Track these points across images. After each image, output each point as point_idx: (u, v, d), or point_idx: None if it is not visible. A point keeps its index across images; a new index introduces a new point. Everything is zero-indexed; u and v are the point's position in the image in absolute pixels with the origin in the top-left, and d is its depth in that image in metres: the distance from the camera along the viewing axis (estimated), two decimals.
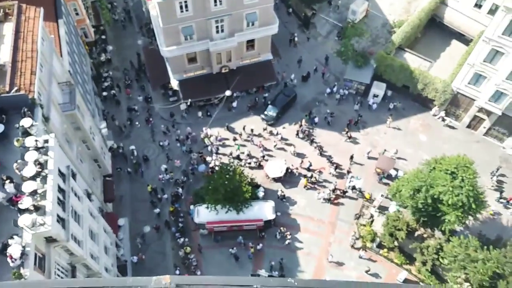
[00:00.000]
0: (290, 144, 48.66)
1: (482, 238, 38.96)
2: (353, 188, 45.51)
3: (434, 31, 56.01)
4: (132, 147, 47.87)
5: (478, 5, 51.12)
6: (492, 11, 49.16)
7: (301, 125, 49.26)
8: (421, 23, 53.76)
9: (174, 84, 49.75)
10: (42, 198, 23.90)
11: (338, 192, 45.70)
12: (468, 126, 50.46)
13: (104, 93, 52.04)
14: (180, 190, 45.69)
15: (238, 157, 47.42)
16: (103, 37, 56.76)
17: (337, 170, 46.98)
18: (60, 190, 26.73)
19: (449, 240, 37.58)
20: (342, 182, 46.45)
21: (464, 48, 51.99)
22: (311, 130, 49.40)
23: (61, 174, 27.57)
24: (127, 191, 46.16)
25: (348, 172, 46.69)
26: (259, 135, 49.32)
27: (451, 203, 35.31)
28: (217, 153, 48.09)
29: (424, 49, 53.86)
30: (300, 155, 48.10)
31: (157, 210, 44.55)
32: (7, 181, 23.81)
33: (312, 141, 48.88)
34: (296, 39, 56.08)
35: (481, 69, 44.86)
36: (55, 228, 23.99)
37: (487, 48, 43.02)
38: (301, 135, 49.22)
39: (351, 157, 47.47)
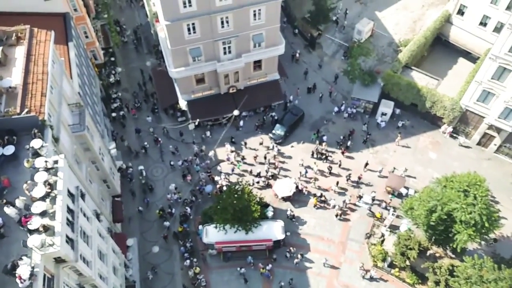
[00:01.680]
0: (299, 164, 48.52)
1: (497, 257, 38.26)
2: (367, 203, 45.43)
3: (440, 49, 56.30)
4: (141, 167, 47.97)
5: (483, 23, 51.49)
6: (498, 29, 49.50)
7: (317, 147, 49.17)
8: (427, 41, 54.06)
9: (183, 104, 50.12)
10: (52, 219, 23.87)
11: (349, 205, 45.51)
12: (479, 144, 50.11)
13: (113, 114, 52.49)
14: (188, 210, 45.53)
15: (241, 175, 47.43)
16: (112, 59, 57.56)
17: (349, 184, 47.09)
18: (69, 210, 26.71)
19: (462, 260, 36.93)
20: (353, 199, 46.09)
21: (471, 66, 52.10)
22: (326, 151, 49.22)
23: (70, 195, 27.60)
24: (136, 212, 46.03)
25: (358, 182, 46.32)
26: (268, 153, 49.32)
27: (463, 220, 34.80)
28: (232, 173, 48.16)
29: (431, 67, 54.02)
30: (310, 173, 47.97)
31: (167, 223, 44.48)
32: (7, 206, 23.90)
33: (325, 160, 48.81)
34: (297, 55, 56.58)
35: (489, 87, 44.80)
36: (64, 249, 23.90)
37: (494, 66, 43.05)
38: (316, 155, 49.02)
39: (365, 165, 47.85)
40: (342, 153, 49.14)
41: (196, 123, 50.18)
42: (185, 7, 40.64)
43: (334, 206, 45.41)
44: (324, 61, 57.17)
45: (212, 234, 41.64)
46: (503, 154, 49.24)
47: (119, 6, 64.65)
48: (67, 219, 25.76)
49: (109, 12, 58.63)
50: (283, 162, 48.88)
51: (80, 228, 27.75)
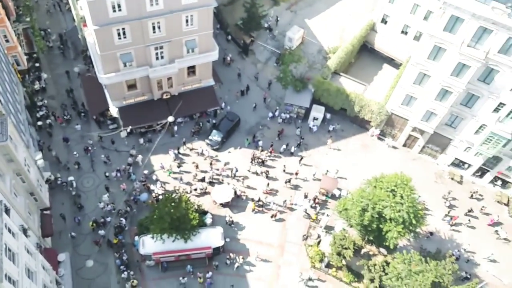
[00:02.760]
0: (232, 168, 48.69)
1: (424, 252, 40.75)
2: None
3: (366, 56, 59.32)
4: (71, 178, 45.61)
5: (404, 32, 54.96)
6: (417, 37, 53.11)
7: (254, 153, 49.60)
8: (354, 49, 56.71)
9: (114, 111, 48.45)
10: None
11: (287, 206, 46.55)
12: (404, 145, 53.25)
13: (39, 123, 49.51)
14: (123, 221, 43.92)
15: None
16: (37, 64, 54.43)
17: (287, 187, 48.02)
18: None
19: (394, 256, 38.90)
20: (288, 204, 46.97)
21: (395, 72, 55.35)
22: (263, 157, 49.75)
23: None
24: (67, 223, 43.63)
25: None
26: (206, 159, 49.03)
27: (393, 217, 36.66)
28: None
29: (358, 74, 56.69)
30: (247, 179, 48.30)
31: (102, 232, 42.71)
32: None
33: (263, 165, 49.36)
34: (229, 58, 57.05)
35: (411, 91, 47.79)
36: None
37: (415, 71, 46.00)
38: (255, 162, 49.37)
39: (296, 173, 48.81)
40: (270, 152, 49.99)
41: (128, 130, 48.69)
42: (114, 11, 39.47)
43: (270, 210, 46.01)
44: (258, 68, 57.97)
45: (149, 244, 40.45)
46: (426, 154, 52.74)
47: (46, 10, 61.29)
48: None
49: (31, 15, 55.45)
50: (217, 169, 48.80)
51: (5, 245, 25.79)
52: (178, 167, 48.29)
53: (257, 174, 48.68)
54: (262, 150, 50.00)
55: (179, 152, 49.19)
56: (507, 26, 38.05)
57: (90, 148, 48.13)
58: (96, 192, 45.85)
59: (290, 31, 58.03)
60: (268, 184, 47.56)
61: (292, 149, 50.55)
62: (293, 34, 57.53)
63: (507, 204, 49.75)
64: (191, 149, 49.77)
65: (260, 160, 49.37)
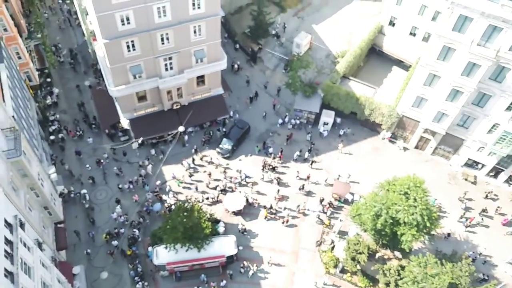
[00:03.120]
0: (248, 177, 48.76)
1: (439, 254, 40.19)
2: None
3: (375, 59, 59.10)
4: (84, 191, 46.08)
5: (412, 34, 54.67)
6: (426, 39, 52.77)
7: (265, 160, 49.65)
8: (362, 52, 56.52)
9: (125, 123, 48.93)
10: None
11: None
12: (416, 147, 52.74)
13: (52, 137, 50.21)
14: (136, 232, 44.16)
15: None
16: (48, 80, 55.29)
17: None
18: (7, 241, 25.10)
19: (409, 260, 38.44)
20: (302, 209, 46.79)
21: (404, 74, 54.98)
22: (275, 163, 49.72)
23: (8, 225, 25.97)
24: (82, 237, 44.01)
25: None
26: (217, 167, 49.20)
27: (406, 222, 36.26)
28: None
29: (367, 77, 56.46)
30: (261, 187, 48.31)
31: (115, 243, 42.99)
32: None
33: (274, 172, 49.33)
34: (237, 66, 57.32)
35: (422, 93, 47.40)
36: (3, 284, 22.35)
37: (425, 73, 45.64)
38: (266, 169, 49.38)
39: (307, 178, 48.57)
40: (279, 157, 49.93)
41: (140, 142, 49.10)
42: (123, 24, 39.98)
43: (283, 217, 45.88)
44: (266, 75, 58.12)
45: (162, 255, 40.58)
46: (439, 155, 52.15)
47: (58, 26, 62.34)
48: (5, 251, 24.15)
49: (42, 31, 56.44)
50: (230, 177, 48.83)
51: (21, 259, 26.11)
52: (190, 176, 48.48)
53: (270, 182, 48.54)
54: (274, 158, 49.93)
55: (193, 162, 49.31)
56: None
57: (102, 160, 48.58)
58: (109, 204, 46.21)
59: (297, 37, 58.12)
60: (278, 191, 47.44)
61: (306, 155, 50.37)
62: (301, 40, 57.60)
63: None
64: (201, 158, 49.90)
65: (271, 167, 49.31)
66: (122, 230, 44.10)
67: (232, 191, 47.45)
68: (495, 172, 50.00)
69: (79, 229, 44.16)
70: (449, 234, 45.47)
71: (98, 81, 54.90)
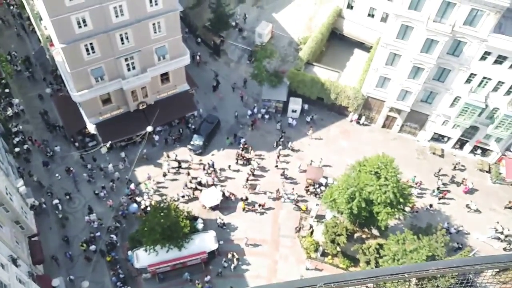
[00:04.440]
0: (223, 169, 48.76)
1: (415, 228, 41.31)
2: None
3: (337, 43, 59.63)
4: (56, 201, 44.96)
5: (371, 15, 55.39)
6: (384, 19, 53.61)
7: (238, 152, 49.67)
8: (324, 37, 56.97)
9: (91, 128, 47.90)
10: None
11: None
12: (383, 126, 53.87)
13: (16, 149, 48.59)
14: (114, 237, 43.51)
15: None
16: (7, 90, 53.36)
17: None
18: None
19: (387, 237, 39.38)
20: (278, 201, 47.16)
21: (366, 55, 55.81)
22: (247, 154, 49.86)
23: None
24: (58, 248, 43.03)
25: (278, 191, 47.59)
26: (189, 167, 48.85)
27: (380, 201, 37.06)
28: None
29: (330, 61, 56.99)
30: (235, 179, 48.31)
31: (93, 247, 42.43)
32: None
33: (248, 164, 49.45)
34: (198, 57, 56.76)
35: (384, 72, 48.32)
36: None
37: (386, 53, 46.50)
38: (240, 161, 49.47)
39: (282, 174, 48.58)
40: (243, 148, 50.20)
41: (108, 146, 48.20)
42: (80, 27, 38.97)
43: (260, 205, 46.14)
44: (231, 67, 57.91)
45: (143, 257, 40.15)
46: (406, 132, 53.48)
47: (16, 33, 59.88)
48: None
49: None
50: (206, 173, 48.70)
51: None
52: (164, 176, 48.03)
53: (248, 173, 48.59)
54: (244, 148, 49.88)
55: (169, 162, 48.82)
56: None
57: (72, 168, 47.45)
58: (83, 212, 45.29)
59: (259, 27, 58.07)
60: (247, 180, 47.55)
61: (278, 144, 50.68)
62: (262, 30, 57.58)
63: (488, 171, 50.84)
64: (168, 157, 49.33)
65: (245, 159, 49.37)
66: (98, 234, 43.37)
67: (208, 186, 47.30)
68: (461, 143, 51.75)
69: (55, 245, 43.09)
70: (431, 205, 47.11)
71: (59, 88, 53.37)
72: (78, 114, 48.39)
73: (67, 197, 45.87)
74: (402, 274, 5.60)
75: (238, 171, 49.07)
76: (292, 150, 51.11)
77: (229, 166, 49.10)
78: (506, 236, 45.68)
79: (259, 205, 46.07)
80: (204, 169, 48.49)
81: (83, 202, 46.10)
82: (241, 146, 49.88)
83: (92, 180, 47.26)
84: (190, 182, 47.53)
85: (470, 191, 49.00)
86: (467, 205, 47.91)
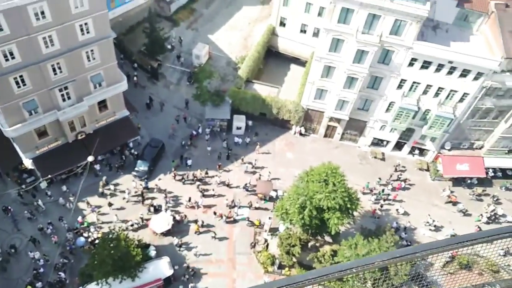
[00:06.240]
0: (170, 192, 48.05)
1: (365, 231, 42.65)
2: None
3: (273, 60, 61.28)
4: None
5: (303, 31, 57.43)
6: (316, 34, 55.79)
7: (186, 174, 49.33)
8: (260, 55, 58.31)
9: (28, 163, 45.62)
10: None
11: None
12: (325, 136, 55.57)
13: None
14: (62, 274, 41.31)
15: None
16: None
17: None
18: None
19: (339, 243, 40.30)
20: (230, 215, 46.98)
21: (302, 70, 57.64)
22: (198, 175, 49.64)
23: None
24: None
25: (233, 206, 47.50)
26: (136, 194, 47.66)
27: (330, 207, 38.01)
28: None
29: (269, 78, 58.48)
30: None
31: (39, 284, 40.03)
32: None
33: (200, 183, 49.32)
34: (135, 78, 56.16)
35: (321, 85, 50.04)
36: None
37: (320, 66, 48.27)
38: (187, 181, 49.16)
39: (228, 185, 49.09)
40: (219, 166, 50.39)
41: (49, 180, 46.04)
42: (7, 60, 37.15)
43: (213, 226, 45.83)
44: (171, 89, 57.57)
45: None
46: (347, 140, 55.51)
47: None
48: None
49: None
50: (153, 198, 47.73)
51: None
52: (110, 206, 46.50)
53: (202, 193, 48.33)
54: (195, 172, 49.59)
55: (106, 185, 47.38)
56: (392, 10, 41.25)
57: (9, 207, 44.79)
58: (26, 251, 42.71)
59: (195, 49, 58.35)
60: (189, 199, 47.22)
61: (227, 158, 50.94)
62: (199, 51, 57.90)
63: (427, 170, 53.74)
64: (114, 188, 48.07)
65: (196, 179, 48.97)
66: (41, 270, 41.11)
67: (157, 210, 46.29)
68: (399, 146, 54.38)
69: None
70: (381, 206, 49.01)
71: None
72: (12, 149, 45.88)
73: (13, 250, 42.96)
74: (350, 269, 5.80)
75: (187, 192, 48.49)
76: (242, 164, 51.32)
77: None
78: (435, 226, 48.59)
79: (214, 213, 46.18)
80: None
81: (25, 241, 43.48)
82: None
83: (33, 218, 44.79)
84: (151, 206, 46.68)
85: (403, 188, 51.80)
86: (396, 210, 49.94)
